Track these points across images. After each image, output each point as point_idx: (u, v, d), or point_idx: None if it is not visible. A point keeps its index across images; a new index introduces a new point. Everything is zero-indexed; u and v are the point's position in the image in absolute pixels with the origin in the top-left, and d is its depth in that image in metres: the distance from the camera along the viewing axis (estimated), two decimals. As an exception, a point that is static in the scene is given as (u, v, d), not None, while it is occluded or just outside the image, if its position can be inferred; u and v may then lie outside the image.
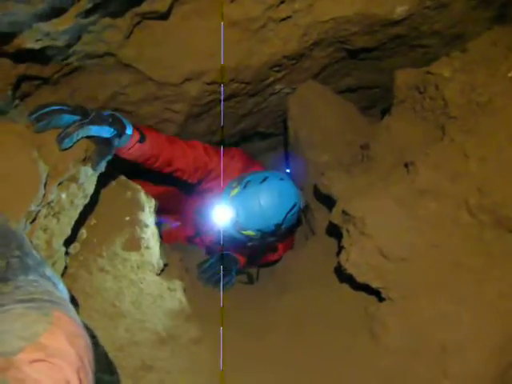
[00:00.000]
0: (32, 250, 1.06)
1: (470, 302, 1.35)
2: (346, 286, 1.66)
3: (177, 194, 2.27)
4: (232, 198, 1.83)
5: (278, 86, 2.17)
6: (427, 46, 2.19)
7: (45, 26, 1.25)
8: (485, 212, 1.36)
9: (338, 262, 1.57)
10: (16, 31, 1.21)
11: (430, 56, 2.19)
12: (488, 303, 1.34)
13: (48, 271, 1.05)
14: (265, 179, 1.82)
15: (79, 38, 1.44)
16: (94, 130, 1.35)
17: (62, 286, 1.05)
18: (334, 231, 1.79)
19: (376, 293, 1.52)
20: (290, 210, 1.82)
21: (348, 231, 1.55)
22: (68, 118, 1.31)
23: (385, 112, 2.05)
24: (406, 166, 1.51)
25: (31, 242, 1.10)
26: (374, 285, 1.49)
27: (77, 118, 1.33)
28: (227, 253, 2.21)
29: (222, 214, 1.86)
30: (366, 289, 1.55)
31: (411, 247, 1.43)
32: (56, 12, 1.23)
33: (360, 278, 1.50)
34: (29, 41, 1.27)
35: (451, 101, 1.54)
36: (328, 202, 1.84)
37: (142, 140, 1.58)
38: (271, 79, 2.06)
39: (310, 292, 1.75)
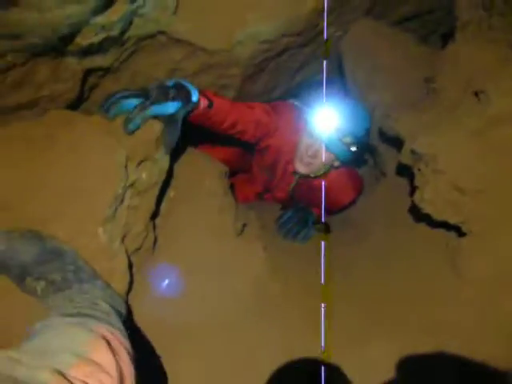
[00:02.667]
0: (85, 265, 1.18)
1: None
2: (423, 225, 1.65)
3: (241, 153, 2.35)
4: (327, 109, 1.86)
5: (330, 30, 2.09)
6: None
7: (100, 20, 1.32)
8: None
9: (413, 202, 1.56)
10: (75, 31, 1.30)
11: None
12: None
13: (100, 283, 1.16)
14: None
15: (131, 23, 1.50)
16: (157, 110, 1.40)
17: (114, 295, 1.16)
18: (405, 172, 1.76)
19: (455, 228, 1.50)
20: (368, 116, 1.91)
21: (420, 170, 1.52)
22: (133, 101, 1.39)
23: (447, 37, 1.91)
24: (476, 94, 1.42)
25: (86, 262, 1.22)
26: (453, 221, 1.46)
27: (140, 100, 1.40)
28: (302, 206, 2.26)
29: (324, 121, 1.86)
30: (444, 226, 1.53)
31: (488, 178, 1.38)
32: (107, 4, 1.29)
33: (438, 216, 1.49)
34: (88, 37, 1.35)
35: (523, 14, 1.41)
36: (395, 142, 1.79)
37: (210, 106, 1.63)
38: (322, 24, 2.00)
39: (389, 234, 1.76)
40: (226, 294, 1.57)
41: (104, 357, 0.75)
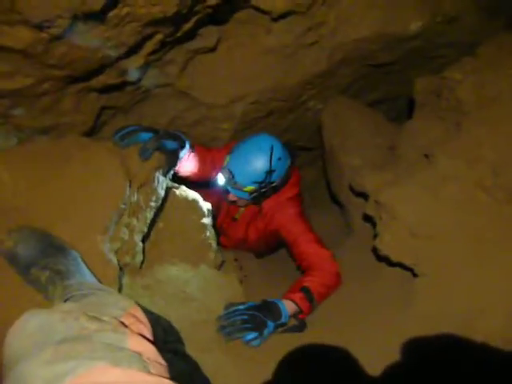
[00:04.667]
0: (84, 264, 1.37)
1: (494, 271, 1.52)
2: (384, 267, 1.85)
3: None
4: (225, 164, 2.05)
5: (311, 103, 2.45)
6: (444, 57, 2.43)
7: (123, 64, 1.59)
8: (500, 190, 1.55)
9: (374, 247, 1.78)
10: (103, 69, 1.57)
11: (448, 65, 2.42)
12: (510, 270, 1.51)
13: (96, 281, 1.34)
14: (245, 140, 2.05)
15: (146, 72, 1.78)
16: (165, 144, 1.67)
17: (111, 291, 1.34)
18: (370, 223, 2.00)
19: (410, 269, 1.71)
20: (271, 153, 1.96)
21: (381, 218, 1.77)
22: (144, 135, 1.64)
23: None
24: (426, 156, 1.72)
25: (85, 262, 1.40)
26: (407, 262, 1.68)
27: (150, 134, 1.65)
28: (272, 301, 1.82)
29: (221, 180, 2.07)
30: (401, 267, 1.74)
31: (437, 226, 1.62)
32: (131, 52, 1.57)
33: (394, 258, 1.70)
34: (111, 77, 1.62)
35: (464, 99, 1.76)
36: (362, 198, 2.06)
37: (193, 149, 1.97)
38: (305, 97, 2.35)
39: (356, 277, 1.95)
40: (204, 315, 1.70)
41: (139, 312, 0.94)
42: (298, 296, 1.86)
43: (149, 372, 0.72)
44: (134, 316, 0.92)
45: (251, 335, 1.68)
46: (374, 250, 1.81)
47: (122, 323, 0.86)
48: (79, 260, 1.36)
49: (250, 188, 2.04)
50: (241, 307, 1.76)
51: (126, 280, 1.63)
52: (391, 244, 1.70)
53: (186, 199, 1.99)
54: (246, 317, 1.71)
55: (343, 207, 2.48)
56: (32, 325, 0.79)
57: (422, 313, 1.61)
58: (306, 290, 1.89)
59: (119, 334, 0.79)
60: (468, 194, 1.61)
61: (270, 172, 1.98)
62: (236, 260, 2.26)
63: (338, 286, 2.01)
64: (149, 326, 0.93)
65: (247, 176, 2.01)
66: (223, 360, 1.63)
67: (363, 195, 2.01)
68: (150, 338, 0.89)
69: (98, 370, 0.68)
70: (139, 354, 0.74)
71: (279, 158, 2.01)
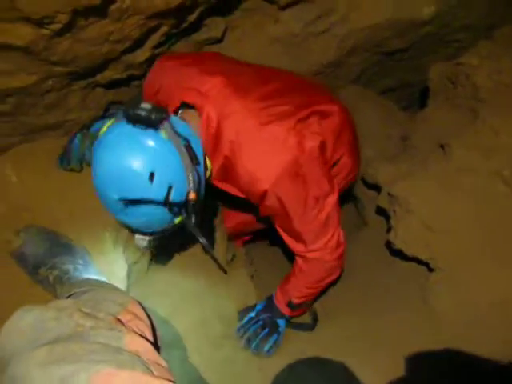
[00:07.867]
0: (92, 263, 1.36)
1: (512, 263, 1.47)
2: (398, 262, 1.81)
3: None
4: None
5: (322, 93, 2.39)
6: (460, 41, 2.34)
7: (129, 59, 1.56)
8: (519, 181, 1.49)
9: (388, 241, 1.74)
10: (108, 64, 1.53)
11: (464, 50, 2.33)
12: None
13: (104, 279, 1.32)
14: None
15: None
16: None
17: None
18: (384, 216, 1.95)
19: (425, 264, 1.66)
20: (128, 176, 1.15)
21: (394, 211, 1.72)
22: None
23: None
24: (441, 147, 1.66)
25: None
26: (423, 257, 1.63)
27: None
28: (272, 298, 1.76)
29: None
30: (416, 261, 1.69)
31: (453, 219, 1.57)
32: (136, 46, 1.54)
33: (409, 252, 1.66)
34: (117, 72, 1.59)
35: (480, 86, 1.69)
36: (376, 190, 2.01)
37: None
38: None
39: (369, 270, 1.90)
40: (215, 311, 1.68)
41: (138, 309, 0.93)
42: (287, 310, 1.70)
43: (152, 374, 0.70)
44: (133, 313, 0.91)
45: (273, 338, 1.69)
46: (388, 244, 1.76)
47: (119, 320, 0.84)
48: (87, 258, 1.35)
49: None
50: (252, 314, 1.75)
51: (134, 278, 1.62)
52: (405, 238, 1.66)
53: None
54: (261, 322, 1.72)
55: (356, 200, 2.43)
56: (25, 322, 0.76)
57: (438, 308, 1.57)
58: (292, 306, 1.67)
59: (114, 331, 0.77)
60: (485, 185, 1.55)
61: (124, 200, 1.19)
62: (246, 254, 2.24)
63: (339, 271, 1.66)
64: (148, 323, 0.92)
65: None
66: (234, 356, 1.62)
67: (376, 187, 1.96)
68: (149, 336, 0.88)
69: (105, 376, 0.66)
70: (138, 356, 0.72)
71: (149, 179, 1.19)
